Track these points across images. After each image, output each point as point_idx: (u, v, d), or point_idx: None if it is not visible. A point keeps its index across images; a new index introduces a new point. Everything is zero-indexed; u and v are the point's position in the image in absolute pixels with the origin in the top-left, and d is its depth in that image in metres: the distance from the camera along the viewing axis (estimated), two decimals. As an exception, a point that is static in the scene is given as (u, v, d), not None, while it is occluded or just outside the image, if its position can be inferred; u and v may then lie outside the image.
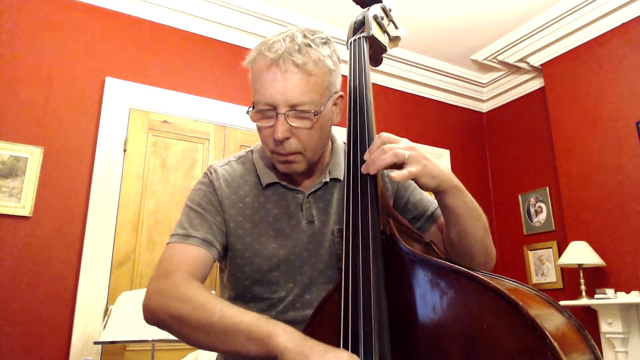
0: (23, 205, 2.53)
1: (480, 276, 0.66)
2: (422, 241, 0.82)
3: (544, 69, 3.82)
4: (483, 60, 4.07)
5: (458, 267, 0.69)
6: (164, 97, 3.07)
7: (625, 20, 3.30)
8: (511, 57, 3.95)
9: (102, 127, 2.84)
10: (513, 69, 4.13)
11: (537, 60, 3.85)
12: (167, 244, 0.98)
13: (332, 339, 0.74)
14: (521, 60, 3.94)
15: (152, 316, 0.88)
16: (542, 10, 3.55)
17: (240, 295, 1.01)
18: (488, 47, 3.98)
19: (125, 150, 2.89)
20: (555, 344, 0.57)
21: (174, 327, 0.85)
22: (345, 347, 0.72)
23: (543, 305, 0.69)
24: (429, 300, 0.69)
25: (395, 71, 3.98)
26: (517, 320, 0.60)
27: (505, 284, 0.69)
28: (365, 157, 0.85)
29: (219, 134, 3.23)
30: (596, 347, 0.67)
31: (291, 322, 0.94)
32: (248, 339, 0.75)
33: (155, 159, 2.99)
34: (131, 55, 3.04)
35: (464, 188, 0.91)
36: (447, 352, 0.66)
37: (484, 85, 4.43)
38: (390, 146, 0.82)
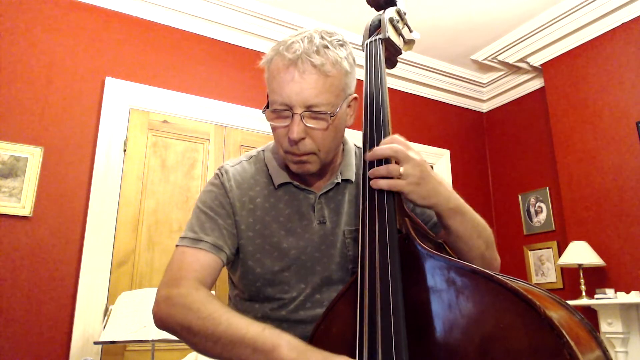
0: (23, 205, 2.52)
1: (498, 276, 0.66)
2: (435, 241, 0.82)
3: (544, 69, 3.82)
4: (483, 60, 4.08)
5: (475, 266, 0.69)
6: (164, 97, 3.06)
7: (625, 20, 3.31)
8: (511, 57, 3.95)
9: (102, 127, 2.83)
10: (513, 69, 4.13)
11: (537, 60, 3.85)
12: (177, 246, 0.98)
13: (344, 337, 0.74)
14: (521, 60, 3.94)
15: (161, 323, 0.89)
16: (542, 10, 3.56)
17: (253, 296, 1.01)
18: (488, 47, 3.98)
19: (125, 150, 2.88)
20: (572, 343, 0.57)
21: (183, 335, 0.86)
22: (361, 346, 0.72)
23: (556, 306, 0.69)
24: (445, 299, 0.69)
25: (395, 71, 3.98)
26: (534, 320, 0.60)
27: (520, 284, 0.69)
28: (369, 157, 0.88)
29: (219, 134, 3.22)
30: (607, 350, 0.67)
31: (302, 321, 0.94)
32: (253, 351, 0.76)
33: (155, 159, 2.98)
34: (131, 55, 3.03)
35: (465, 209, 0.91)
36: (463, 350, 0.66)
37: (484, 85, 4.44)
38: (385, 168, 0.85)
